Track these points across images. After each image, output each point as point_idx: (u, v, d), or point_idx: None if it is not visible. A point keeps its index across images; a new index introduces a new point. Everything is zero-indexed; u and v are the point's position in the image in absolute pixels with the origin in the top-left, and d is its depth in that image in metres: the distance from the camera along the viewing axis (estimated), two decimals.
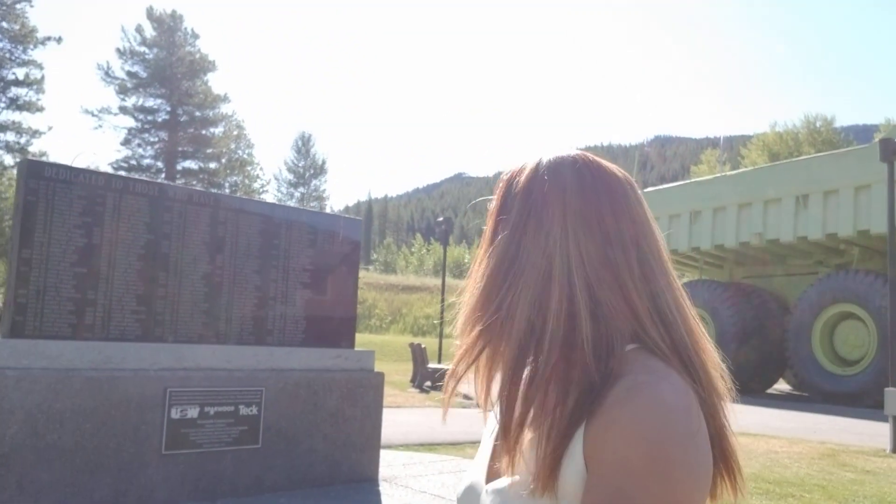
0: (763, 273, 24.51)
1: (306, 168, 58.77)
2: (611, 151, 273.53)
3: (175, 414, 5.37)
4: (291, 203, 58.49)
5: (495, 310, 0.96)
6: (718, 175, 26.46)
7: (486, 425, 1.11)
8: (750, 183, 23.05)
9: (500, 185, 1.05)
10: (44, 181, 5.06)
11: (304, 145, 59.98)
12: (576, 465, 0.86)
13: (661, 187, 28.99)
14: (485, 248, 1.03)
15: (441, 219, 25.92)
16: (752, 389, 21.91)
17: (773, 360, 22.55)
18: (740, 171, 29.63)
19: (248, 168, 49.44)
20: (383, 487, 6.33)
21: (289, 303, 6.28)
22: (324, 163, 59.77)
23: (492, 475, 1.01)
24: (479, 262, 1.02)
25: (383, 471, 6.73)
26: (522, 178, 1.01)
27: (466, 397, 16.27)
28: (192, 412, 5.46)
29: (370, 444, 6.56)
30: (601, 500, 0.83)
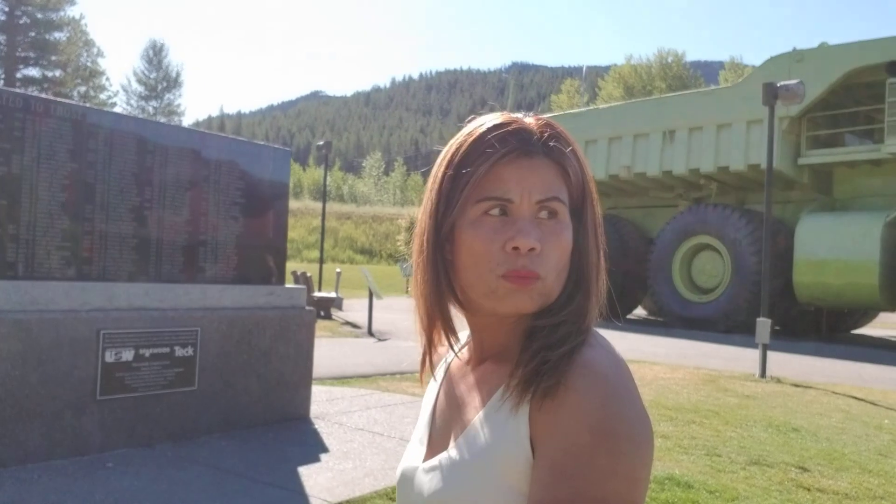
0: (626, 205, 25.75)
1: (158, 80, 54.83)
2: (470, 76, 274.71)
3: (109, 357, 5.02)
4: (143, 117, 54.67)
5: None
6: (591, 108, 27.28)
7: (422, 411, 1.14)
8: (621, 117, 23.93)
9: (576, 156, 1.02)
10: None
11: (155, 55, 55.74)
12: (522, 440, 0.88)
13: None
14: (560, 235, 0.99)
15: (322, 142, 25.23)
16: (612, 315, 23.25)
17: (634, 288, 24.00)
18: (612, 104, 30.66)
19: (95, 79, 45.61)
20: (318, 426, 6.27)
21: (220, 238, 5.94)
22: (178, 75, 56.07)
23: (433, 455, 1.01)
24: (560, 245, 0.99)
25: (311, 408, 6.66)
26: (583, 165, 1.04)
27: (355, 326, 16.29)
28: (127, 355, 5.13)
29: (303, 382, 6.44)
30: (550, 483, 0.83)
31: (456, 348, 1.07)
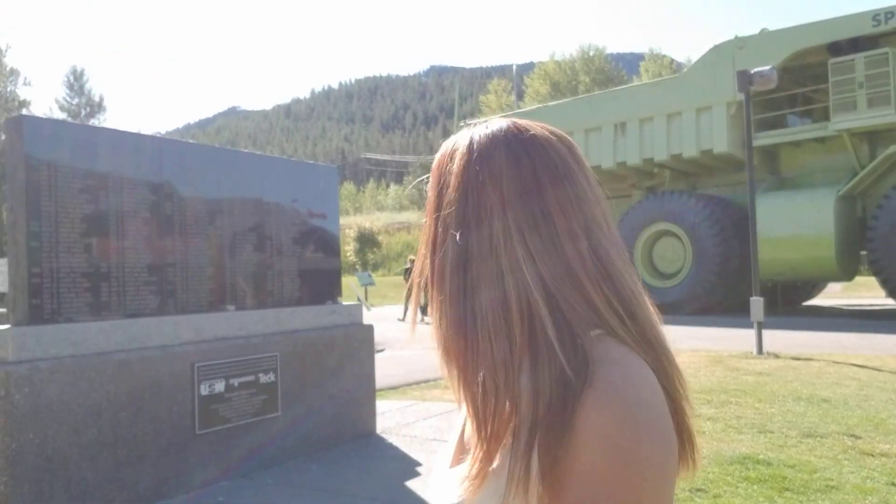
0: None
1: (81, 106, 53.09)
2: (390, 82, 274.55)
3: (204, 390, 4.92)
4: None
5: (460, 325, 0.89)
6: (540, 106, 27.71)
7: (460, 413, 1.07)
8: (571, 112, 24.41)
9: (434, 170, 0.97)
10: (44, 141, 4.28)
11: (76, 81, 53.99)
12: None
13: (484, 120, 29.80)
14: (428, 247, 0.95)
15: None
16: None
17: None
18: (561, 101, 31.17)
19: (23, 108, 43.77)
20: (392, 440, 6.25)
21: (285, 260, 5.87)
22: (101, 100, 54.46)
23: (457, 463, 0.98)
24: (422, 258, 0.96)
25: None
26: (455, 166, 0.93)
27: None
28: (219, 386, 5.03)
29: (368, 398, 6.41)
30: None
31: None
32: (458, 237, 0.89)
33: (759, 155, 21.05)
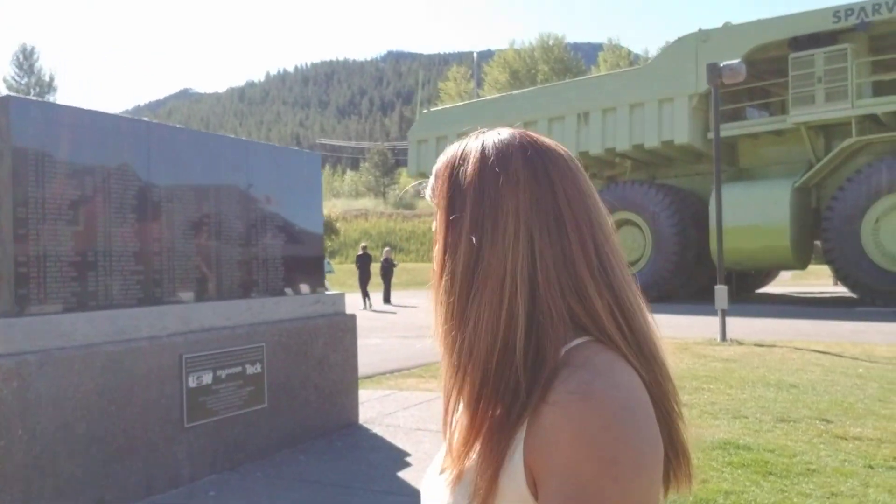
0: None
1: (31, 85, 51.44)
2: (346, 67, 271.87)
3: (192, 382, 4.82)
4: None
5: (462, 327, 0.91)
6: (504, 94, 27.74)
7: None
8: (535, 101, 24.50)
9: (443, 174, 0.98)
10: (31, 123, 4.12)
11: (26, 60, 52.31)
12: (516, 474, 0.83)
13: (446, 107, 29.77)
14: (442, 249, 0.96)
15: None
16: None
17: None
18: (525, 90, 31.24)
19: None
20: (376, 430, 6.22)
21: (269, 249, 5.77)
22: (52, 79, 52.82)
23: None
24: (437, 263, 0.97)
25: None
26: (469, 169, 0.94)
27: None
28: (207, 378, 4.93)
29: (351, 388, 6.37)
30: None
31: None
32: (473, 240, 0.90)
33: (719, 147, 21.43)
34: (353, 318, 6.44)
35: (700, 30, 20.90)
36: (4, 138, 4.01)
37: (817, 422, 6.61)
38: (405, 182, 63.06)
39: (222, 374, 5.04)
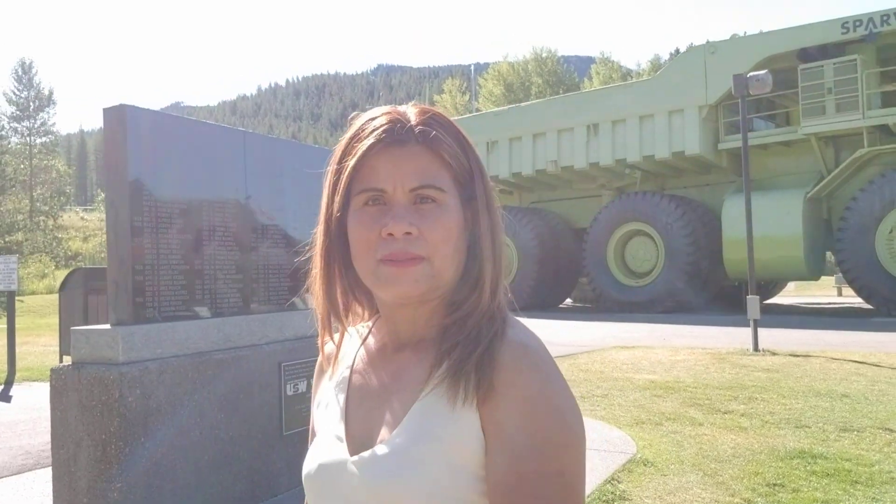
0: (550, 197, 26.50)
1: (30, 99, 51.33)
2: (338, 80, 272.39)
3: (289, 390, 4.81)
4: (15, 140, 50.99)
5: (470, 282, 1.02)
6: (513, 106, 27.85)
7: (322, 407, 1.14)
8: (543, 113, 24.61)
9: (457, 145, 1.04)
10: (146, 133, 4.12)
11: (24, 74, 52.14)
12: (472, 430, 0.91)
13: (454, 119, 29.78)
14: (459, 228, 1.01)
15: None
16: (549, 304, 23.95)
17: (567, 278, 24.76)
18: (533, 102, 31.37)
19: None
20: None
21: None
22: (51, 93, 52.72)
23: (355, 448, 1.00)
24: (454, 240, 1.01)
25: None
26: (472, 152, 1.06)
27: None
28: (302, 386, 4.92)
29: None
30: (511, 463, 0.88)
31: (348, 336, 1.14)
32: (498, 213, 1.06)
33: (727, 157, 21.58)
34: None
35: (708, 42, 21.09)
36: (121, 148, 4.01)
37: (881, 431, 6.61)
38: None
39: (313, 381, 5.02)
